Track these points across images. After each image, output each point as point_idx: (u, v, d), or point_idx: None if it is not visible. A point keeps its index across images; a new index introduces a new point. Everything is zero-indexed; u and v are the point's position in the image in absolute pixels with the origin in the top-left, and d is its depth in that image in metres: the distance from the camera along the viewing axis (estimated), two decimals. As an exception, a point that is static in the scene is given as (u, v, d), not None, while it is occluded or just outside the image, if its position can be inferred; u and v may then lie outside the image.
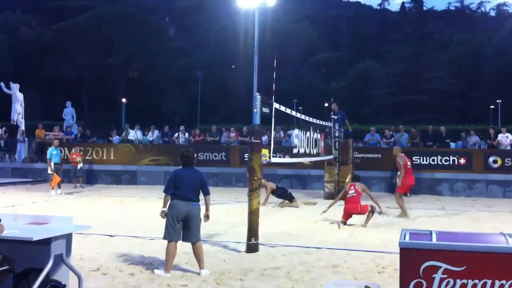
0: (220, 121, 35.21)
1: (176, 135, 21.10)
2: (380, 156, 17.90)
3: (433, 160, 17.56)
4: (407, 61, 60.58)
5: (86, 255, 7.30)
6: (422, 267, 3.75)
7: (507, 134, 18.37)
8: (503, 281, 3.64)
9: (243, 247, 7.83)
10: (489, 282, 3.66)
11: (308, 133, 11.82)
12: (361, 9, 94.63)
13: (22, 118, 23.78)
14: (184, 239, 6.49)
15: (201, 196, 6.58)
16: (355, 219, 10.41)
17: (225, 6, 53.28)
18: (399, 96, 56.98)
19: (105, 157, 20.11)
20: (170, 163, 18.60)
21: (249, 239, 7.77)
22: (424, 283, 3.74)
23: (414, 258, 3.80)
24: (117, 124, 37.40)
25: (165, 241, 6.47)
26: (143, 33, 58.19)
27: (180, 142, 20.40)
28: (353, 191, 10.45)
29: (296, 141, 11.22)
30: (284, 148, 15.52)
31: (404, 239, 3.99)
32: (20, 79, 29.13)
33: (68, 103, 25.03)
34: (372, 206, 10.25)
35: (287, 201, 13.55)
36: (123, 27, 58.52)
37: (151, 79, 58.16)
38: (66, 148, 19.50)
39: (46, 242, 4.49)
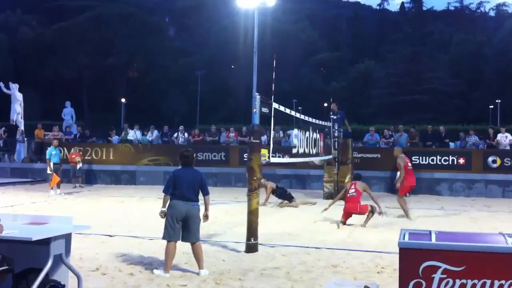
0: (220, 121, 35.21)
1: (175, 135, 21.09)
2: (379, 156, 17.90)
3: (432, 160, 17.56)
4: (407, 61, 60.63)
5: (86, 255, 7.30)
6: (421, 267, 3.75)
7: (507, 134, 18.37)
8: (502, 281, 3.64)
9: (242, 247, 7.83)
10: (488, 282, 3.66)
11: (307, 133, 11.82)
12: (360, 9, 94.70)
13: (21, 118, 23.77)
14: (184, 239, 6.49)
15: (201, 196, 6.58)
16: (355, 219, 10.41)
17: (225, 6, 53.30)
18: (399, 96, 57.02)
19: (104, 157, 20.10)
20: (169, 163, 18.59)
21: (248, 239, 7.77)
22: (424, 283, 3.74)
23: (413, 258, 3.80)
24: (117, 124, 37.40)
25: (165, 241, 6.47)
26: (143, 33, 58.19)
27: (180, 142, 20.39)
28: (353, 190, 10.43)
29: (295, 141, 11.23)
30: (283, 148, 15.56)
31: (404, 239, 3.99)
32: (20, 79, 29.16)
33: (68, 103, 25.05)
34: (372, 207, 10.22)
35: (286, 201, 13.55)
36: (123, 27, 58.53)
37: (151, 79, 58.16)
38: (65, 148, 19.49)
39: (46, 242, 4.49)
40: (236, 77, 55.05)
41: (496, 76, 57.37)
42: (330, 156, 15.10)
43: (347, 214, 10.35)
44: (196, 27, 69.05)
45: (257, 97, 8.05)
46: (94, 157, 20.06)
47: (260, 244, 7.94)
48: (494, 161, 17.14)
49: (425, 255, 3.77)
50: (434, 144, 18.77)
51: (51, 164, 16.15)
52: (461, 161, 17.38)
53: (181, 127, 21.79)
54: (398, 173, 11.93)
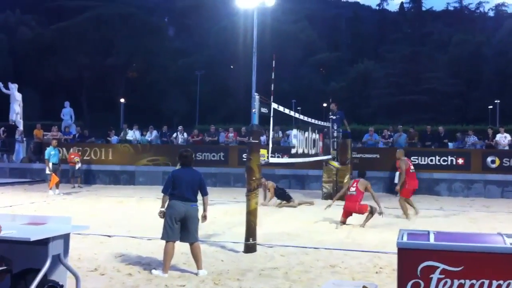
0: (219, 121, 35.18)
1: (174, 135, 21.09)
2: (378, 156, 17.91)
3: (431, 160, 17.56)
4: (406, 61, 60.64)
5: (84, 255, 7.29)
6: (419, 267, 3.74)
7: (506, 134, 18.38)
8: (501, 281, 3.64)
9: (241, 248, 7.83)
10: (486, 282, 3.65)
11: (306, 133, 11.83)
12: (360, 9, 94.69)
13: (20, 118, 23.76)
14: (182, 240, 6.49)
15: (199, 196, 6.58)
16: (354, 219, 10.40)
17: (224, 6, 53.28)
18: (398, 96, 57.04)
19: (103, 157, 20.10)
20: (168, 163, 18.58)
21: (247, 239, 7.77)
22: (422, 283, 3.73)
23: (412, 258, 3.79)
24: (116, 124, 37.38)
25: (163, 242, 6.47)
26: (143, 33, 58.16)
27: (179, 142, 20.39)
28: (354, 189, 10.40)
29: (294, 141, 11.23)
30: (282, 148, 15.56)
31: (402, 239, 3.99)
32: (19, 79, 29.15)
33: (67, 103, 25.06)
34: (372, 207, 10.17)
35: (284, 201, 13.55)
36: (122, 27, 58.52)
37: (150, 79, 58.15)
38: (64, 148, 19.49)
39: (44, 243, 4.47)
40: (236, 77, 55.05)
41: (495, 76, 57.41)
42: (329, 156, 15.09)
43: (346, 213, 10.35)
44: (195, 27, 69.04)
45: (256, 97, 8.05)
46: (93, 157, 20.06)
47: (258, 244, 7.94)
48: (493, 162, 17.15)
49: (424, 255, 3.76)
50: (433, 144, 18.77)
51: (50, 164, 16.15)
52: (460, 161, 17.39)
53: (180, 127, 21.77)
54: (397, 174, 11.90)
